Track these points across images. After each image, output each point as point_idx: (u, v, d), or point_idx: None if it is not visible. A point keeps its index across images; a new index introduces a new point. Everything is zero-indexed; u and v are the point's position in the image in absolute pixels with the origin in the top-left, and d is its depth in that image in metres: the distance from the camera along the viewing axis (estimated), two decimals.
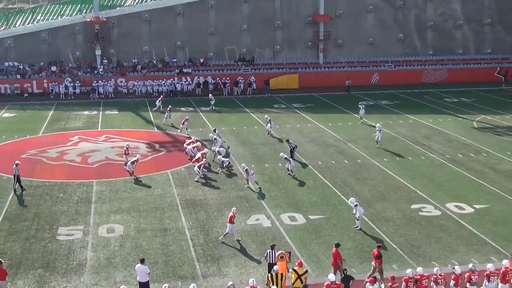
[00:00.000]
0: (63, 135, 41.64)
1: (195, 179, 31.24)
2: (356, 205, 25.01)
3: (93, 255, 22.47)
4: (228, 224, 23.68)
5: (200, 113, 49.69)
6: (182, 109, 51.27)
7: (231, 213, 23.86)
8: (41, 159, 35.06)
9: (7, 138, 40.55)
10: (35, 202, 28.08)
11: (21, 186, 29.59)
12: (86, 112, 49.82)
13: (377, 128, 38.95)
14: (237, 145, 38.76)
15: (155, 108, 49.44)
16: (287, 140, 35.96)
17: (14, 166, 29.52)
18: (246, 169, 30.09)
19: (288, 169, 32.58)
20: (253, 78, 60.45)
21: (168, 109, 45.58)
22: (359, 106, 45.87)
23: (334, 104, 53.77)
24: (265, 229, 24.96)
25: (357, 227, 25.07)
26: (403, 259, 22.37)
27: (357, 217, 25.07)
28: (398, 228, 25.22)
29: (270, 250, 20.37)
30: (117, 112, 49.95)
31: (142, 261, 19.85)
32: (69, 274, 21.11)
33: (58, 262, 21.96)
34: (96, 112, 50.06)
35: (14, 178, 29.44)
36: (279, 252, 20.09)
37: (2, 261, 19.90)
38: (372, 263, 20.79)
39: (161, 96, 53.08)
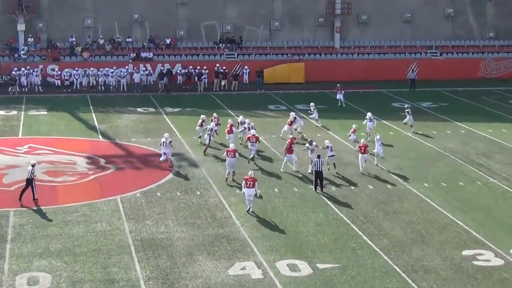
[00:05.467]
0: None
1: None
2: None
3: None
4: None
5: (165, 115, 49.90)
6: (139, 109, 51.66)
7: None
8: None
9: None
10: None
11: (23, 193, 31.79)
12: (1, 112, 49.71)
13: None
14: (217, 163, 39.03)
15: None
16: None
17: (31, 167, 31.89)
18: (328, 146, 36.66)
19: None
20: (246, 68, 60.76)
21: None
22: (366, 118, 45.16)
23: (354, 105, 53.94)
24: (255, 282, 24.83)
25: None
26: None
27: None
28: (444, 283, 25.13)
29: None
30: (46, 113, 50.01)
31: None
32: None
33: None
34: (16, 112, 50.03)
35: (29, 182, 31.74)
36: None
37: None
38: None
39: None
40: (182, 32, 64.52)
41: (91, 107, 52.42)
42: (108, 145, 42.58)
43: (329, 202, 33.01)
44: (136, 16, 63.50)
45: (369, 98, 57.43)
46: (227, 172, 35.95)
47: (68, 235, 28.52)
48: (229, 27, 65.00)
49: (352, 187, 35.34)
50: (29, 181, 31.88)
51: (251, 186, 31.19)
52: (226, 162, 36.04)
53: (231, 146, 36.94)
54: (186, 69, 60.43)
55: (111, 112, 51.10)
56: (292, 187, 35.15)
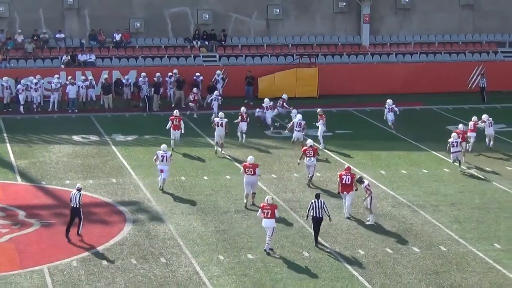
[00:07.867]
0: None
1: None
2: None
3: None
4: None
5: (113, 146, 50.23)
6: (76, 138, 51.84)
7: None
8: None
9: None
10: None
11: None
12: None
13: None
14: (189, 216, 38.64)
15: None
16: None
17: (77, 191, 34.73)
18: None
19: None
20: (219, 73, 61.25)
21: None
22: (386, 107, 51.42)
23: (392, 129, 53.96)
24: None
25: None
26: None
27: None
28: None
29: None
30: None
31: None
32: None
33: None
34: None
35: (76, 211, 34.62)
36: None
37: None
38: None
39: None
40: (139, 24, 65.24)
41: (4, 134, 52.99)
42: (30, 190, 42.10)
43: (355, 272, 32.36)
44: (71, 1, 63.68)
45: (414, 118, 58.42)
46: (245, 193, 38.97)
47: None
48: (207, 16, 65.80)
49: (389, 250, 34.62)
50: (76, 211, 34.35)
51: (269, 216, 32.74)
52: (244, 181, 39.01)
53: (250, 159, 39.48)
54: (143, 80, 59.91)
55: (35, 142, 51.05)
56: (301, 250, 34.45)
